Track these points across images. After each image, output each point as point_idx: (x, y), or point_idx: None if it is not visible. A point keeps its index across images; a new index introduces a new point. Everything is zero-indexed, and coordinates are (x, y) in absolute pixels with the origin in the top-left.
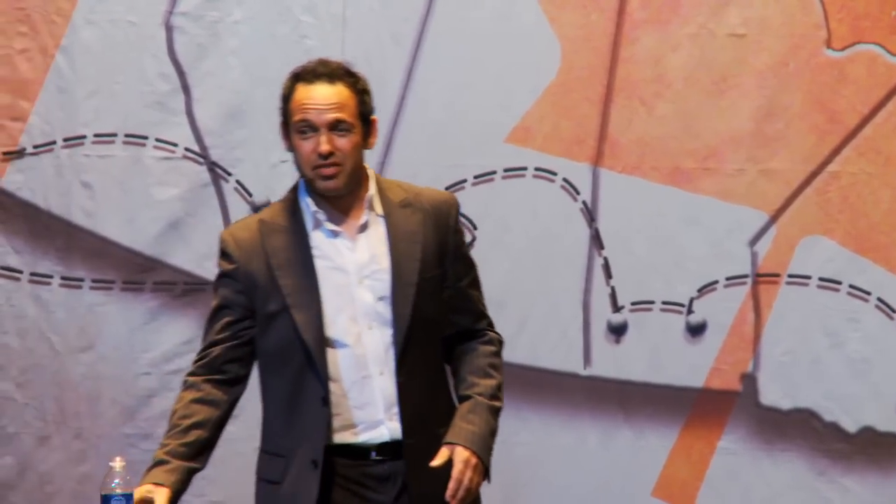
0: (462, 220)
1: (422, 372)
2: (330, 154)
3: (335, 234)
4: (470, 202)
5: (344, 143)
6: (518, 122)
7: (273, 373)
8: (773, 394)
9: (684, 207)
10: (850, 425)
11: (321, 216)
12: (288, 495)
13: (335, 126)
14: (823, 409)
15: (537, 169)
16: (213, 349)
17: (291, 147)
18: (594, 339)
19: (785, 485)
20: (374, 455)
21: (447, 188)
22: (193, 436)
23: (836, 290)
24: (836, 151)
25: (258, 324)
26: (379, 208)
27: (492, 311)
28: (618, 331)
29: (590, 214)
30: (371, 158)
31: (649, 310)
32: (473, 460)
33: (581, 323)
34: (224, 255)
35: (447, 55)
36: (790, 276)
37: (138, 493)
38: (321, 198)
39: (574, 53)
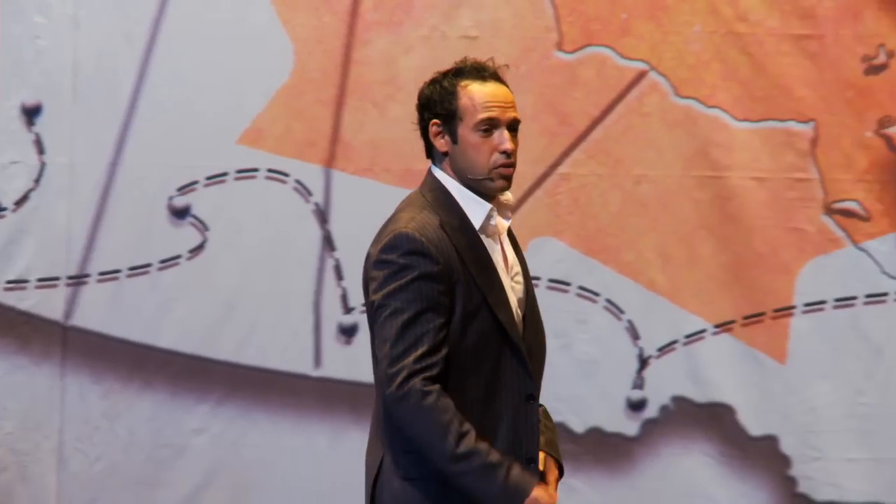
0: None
1: (538, 374)
2: (512, 153)
3: (495, 236)
4: (202, 203)
5: (516, 142)
6: (250, 123)
7: (465, 373)
8: None
9: None
10: (578, 426)
11: (493, 218)
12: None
13: (512, 125)
14: (552, 410)
15: (269, 170)
16: (435, 357)
17: (452, 145)
18: (325, 340)
19: None
20: None
21: (179, 189)
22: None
23: (566, 291)
24: (567, 153)
25: (456, 323)
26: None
27: (223, 313)
28: (349, 332)
29: (322, 216)
30: (101, 159)
31: None
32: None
33: (312, 324)
34: (425, 255)
35: (180, 56)
36: None
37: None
38: (485, 199)
39: (307, 55)
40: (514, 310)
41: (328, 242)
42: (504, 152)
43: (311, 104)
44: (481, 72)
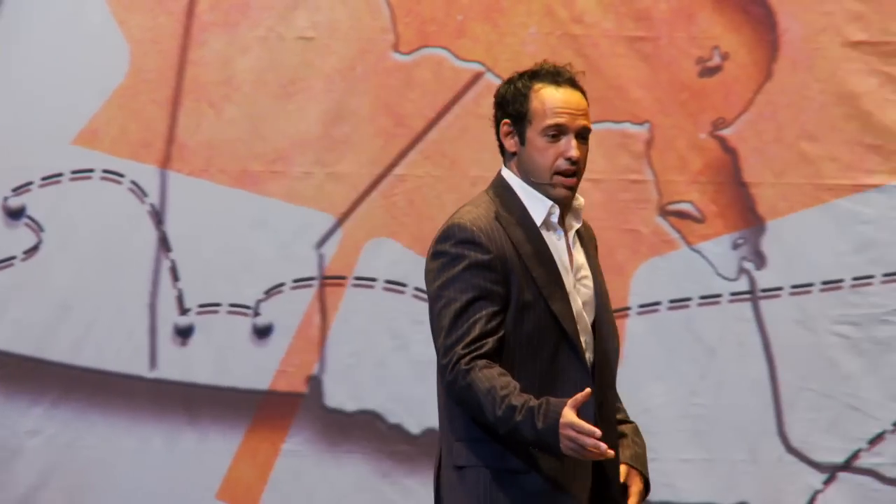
0: (32, 222)
1: (611, 378)
2: (577, 161)
3: (559, 234)
4: (37, 204)
5: (584, 151)
6: (86, 124)
7: (520, 364)
8: (338, 396)
9: (252, 210)
10: (414, 427)
11: (555, 215)
12: (556, 483)
13: (581, 133)
14: (388, 411)
15: (105, 171)
16: (486, 341)
17: (520, 146)
18: (160, 341)
19: (349, 486)
20: None
21: (14, 190)
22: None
23: (402, 292)
24: (403, 155)
25: (511, 313)
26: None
27: (58, 314)
28: (184, 333)
29: (158, 217)
30: None
31: (216, 312)
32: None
33: (147, 325)
34: (475, 244)
35: (14, 56)
36: (356, 278)
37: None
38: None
39: (142, 56)
40: (575, 308)
41: (164, 243)
42: (569, 159)
43: (146, 105)
44: (557, 76)
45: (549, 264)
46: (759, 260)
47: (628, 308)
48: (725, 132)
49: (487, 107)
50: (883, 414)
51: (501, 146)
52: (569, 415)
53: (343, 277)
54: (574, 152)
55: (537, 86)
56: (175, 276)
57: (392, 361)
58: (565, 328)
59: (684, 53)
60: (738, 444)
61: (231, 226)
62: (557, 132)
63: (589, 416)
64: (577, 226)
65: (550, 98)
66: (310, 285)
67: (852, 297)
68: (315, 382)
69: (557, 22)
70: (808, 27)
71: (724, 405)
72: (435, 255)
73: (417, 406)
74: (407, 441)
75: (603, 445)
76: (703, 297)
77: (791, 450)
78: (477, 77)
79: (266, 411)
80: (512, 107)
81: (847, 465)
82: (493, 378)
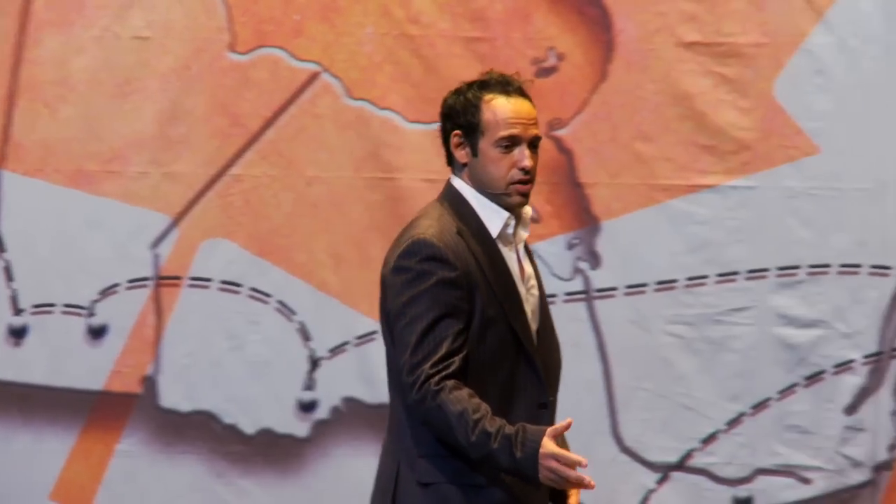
0: None
1: (555, 382)
2: (530, 170)
3: (508, 245)
4: None
5: (536, 160)
6: None
7: (481, 380)
8: (173, 396)
9: (87, 210)
10: (249, 427)
11: (511, 227)
12: (513, 498)
13: (532, 142)
14: (223, 412)
15: None
16: (454, 360)
17: (472, 157)
18: None
19: (184, 486)
20: None
21: None
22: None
23: (237, 292)
24: (239, 155)
25: (474, 329)
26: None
27: None
28: (18, 333)
29: None
30: None
31: (50, 312)
32: None
33: None
34: (442, 261)
35: None
36: (192, 278)
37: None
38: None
39: None
40: (528, 320)
41: None
42: (522, 169)
43: None
44: (507, 86)
45: (507, 278)
46: (594, 260)
47: None
48: (561, 132)
49: (324, 106)
50: (716, 414)
51: (450, 156)
52: (549, 445)
53: (178, 278)
54: (528, 162)
55: (488, 96)
56: (9, 277)
57: (227, 362)
58: (524, 344)
59: (520, 54)
60: (572, 443)
61: (66, 226)
62: (511, 143)
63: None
64: (525, 235)
65: (502, 109)
66: (145, 285)
67: (686, 297)
68: (150, 383)
69: (394, 22)
70: (642, 28)
71: (560, 404)
72: (397, 269)
73: (252, 406)
74: (242, 441)
75: (586, 478)
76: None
77: (625, 449)
78: (313, 77)
79: (100, 412)
80: (462, 118)
81: (680, 465)
82: (463, 400)
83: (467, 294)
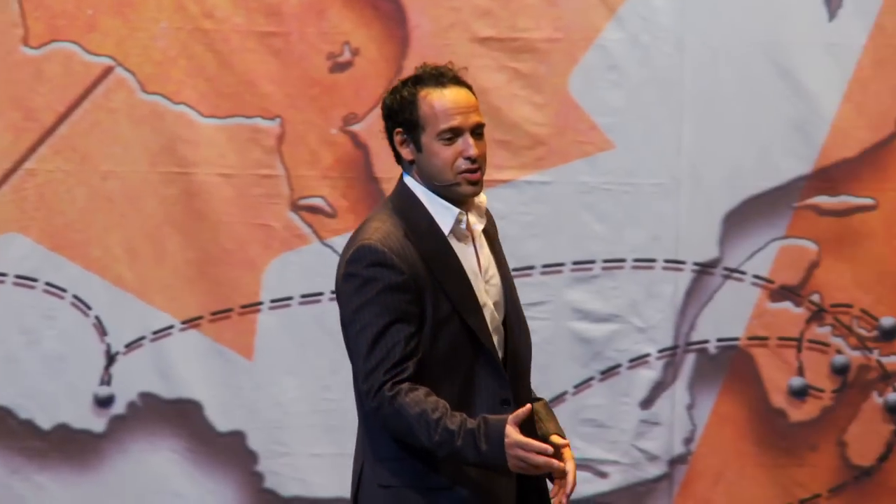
0: None
1: (525, 372)
2: (477, 158)
3: (467, 240)
4: None
5: (481, 146)
6: None
7: (437, 380)
8: None
9: None
10: (45, 422)
11: (463, 222)
12: (480, 498)
13: (475, 130)
14: (18, 407)
15: None
16: (407, 364)
17: (416, 153)
18: None
19: None
20: None
21: None
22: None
23: (32, 287)
24: (33, 149)
25: (427, 331)
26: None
27: None
28: None
29: None
30: None
31: None
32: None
33: None
34: (389, 266)
35: None
36: None
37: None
38: (455, 204)
39: None
40: (489, 314)
41: None
42: (468, 158)
43: None
44: (440, 77)
45: (461, 276)
46: None
47: (260, 303)
48: (356, 127)
49: (118, 101)
50: None
51: (398, 155)
52: (513, 434)
53: None
54: (473, 150)
55: (423, 91)
56: None
57: (23, 357)
58: (482, 341)
59: (315, 49)
60: None
61: None
62: (453, 134)
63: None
64: (481, 226)
65: (439, 101)
66: None
67: None
68: None
69: (188, 17)
70: (437, 23)
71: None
72: (346, 276)
73: (49, 402)
74: (38, 437)
75: (555, 462)
76: (334, 292)
77: None
78: (107, 71)
79: None
80: (401, 116)
81: None
82: (420, 401)
83: (416, 297)
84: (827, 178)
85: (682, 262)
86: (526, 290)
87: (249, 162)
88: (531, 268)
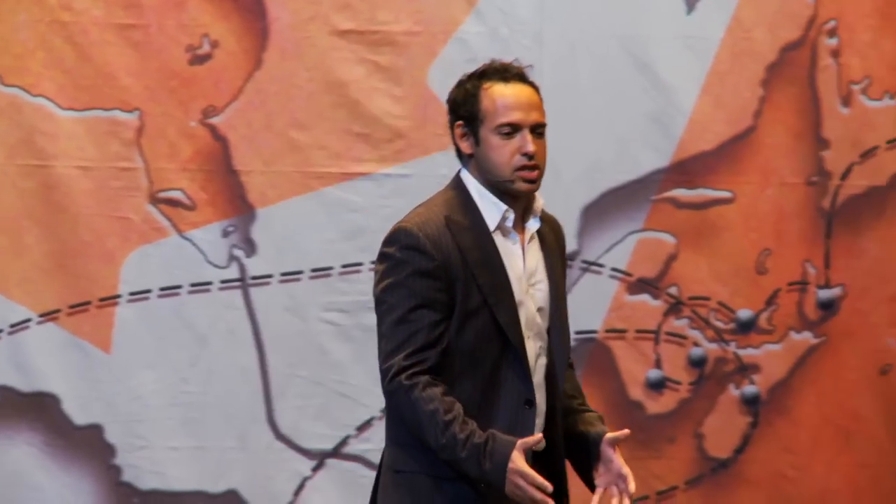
0: None
1: (560, 384)
2: (534, 155)
3: (514, 239)
4: None
5: (541, 145)
6: None
7: (461, 373)
8: None
9: None
10: None
11: (509, 220)
12: (491, 495)
13: (535, 128)
14: None
15: None
16: (428, 353)
17: (475, 146)
18: None
19: None
20: None
21: None
22: (473, 421)
23: None
24: None
25: (455, 321)
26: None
27: None
28: None
29: None
30: None
31: None
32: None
33: None
34: (420, 251)
35: None
36: None
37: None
38: (504, 200)
39: None
40: (527, 315)
41: None
42: (526, 154)
43: None
44: (505, 73)
45: (498, 271)
46: (250, 247)
47: (119, 296)
48: (215, 120)
49: None
50: (371, 401)
51: (458, 149)
52: (518, 460)
53: None
54: (530, 147)
55: (486, 84)
56: None
57: None
58: (510, 338)
59: (174, 41)
60: (228, 431)
61: None
62: (511, 129)
63: (530, 430)
64: (534, 228)
65: (500, 95)
66: None
67: (341, 284)
68: None
69: (47, 9)
70: (296, 16)
71: (215, 393)
72: (381, 257)
73: None
74: None
75: (550, 501)
76: (193, 285)
77: (280, 437)
78: None
79: None
80: (463, 108)
81: (336, 452)
82: (436, 399)
83: (446, 285)
84: (685, 171)
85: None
86: None
87: (108, 154)
88: None
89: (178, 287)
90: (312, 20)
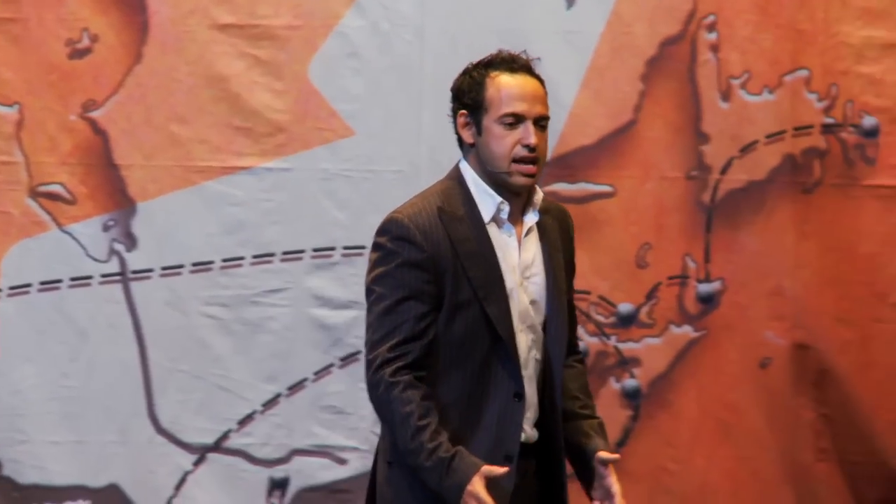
0: None
1: (558, 378)
2: (535, 147)
3: (509, 231)
4: None
5: (543, 139)
6: None
7: (451, 365)
8: None
9: None
10: None
11: (504, 212)
12: None
13: (538, 120)
14: None
15: None
16: (412, 345)
17: (477, 136)
18: None
19: None
20: None
21: None
22: (444, 430)
23: None
24: None
25: (444, 313)
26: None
27: None
28: None
29: None
30: None
31: None
32: None
33: None
34: (409, 242)
35: None
36: None
37: (482, 483)
38: (501, 193)
39: None
40: (519, 308)
41: None
42: (527, 146)
43: None
44: (512, 63)
45: (490, 264)
46: (130, 241)
47: None
48: (95, 114)
49: None
50: (253, 395)
51: (460, 139)
52: (477, 484)
53: None
54: (533, 139)
55: (493, 74)
56: None
57: None
58: (499, 331)
59: (53, 35)
60: (108, 425)
61: None
62: (514, 120)
63: (518, 423)
64: (533, 220)
65: (506, 85)
66: None
67: (222, 278)
68: None
69: None
70: (176, 10)
71: (95, 387)
72: (373, 246)
73: None
74: None
75: None
76: (73, 279)
77: (161, 431)
78: None
79: None
80: (468, 97)
81: (217, 446)
82: (412, 402)
83: (435, 277)
84: (565, 165)
85: None
86: (266, 277)
87: None
88: (272, 255)
89: (59, 281)
90: (192, 14)
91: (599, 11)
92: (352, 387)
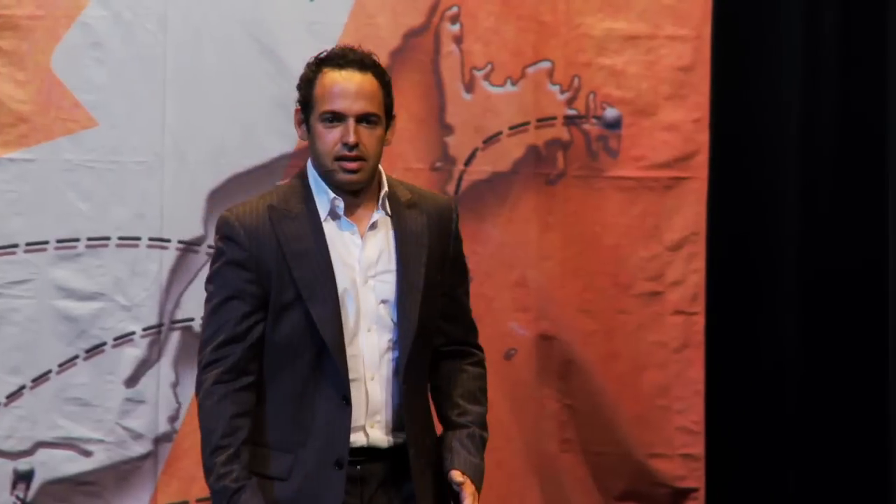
0: None
1: (417, 380)
2: (356, 146)
3: (348, 228)
4: None
5: (369, 136)
6: None
7: (280, 367)
8: None
9: None
10: None
11: (339, 207)
12: (306, 494)
13: (363, 118)
14: None
15: None
16: (233, 347)
17: (307, 133)
18: None
19: None
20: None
21: None
22: (245, 455)
23: None
24: None
25: (269, 314)
26: (388, 207)
27: None
28: None
29: None
30: None
31: None
32: (477, 495)
33: None
34: (231, 241)
35: None
36: None
37: None
38: (335, 190)
39: None
40: (359, 306)
41: None
42: (346, 144)
43: None
44: (342, 59)
45: (320, 263)
46: None
47: None
48: None
49: None
50: None
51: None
52: None
53: None
54: (351, 137)
55: (324, 70)
56: None
57: None
58: (321, 334)
59: None
60: None
61: None
62: (333, 117)
63: (347, 428)
64: (377, 217)
65: (330, 82)
66: None
67: None
68: None
69: None
70: None
71: None
72: (213, 244)
73: None
74: None
75: None
76: None
77: None
78: None
79: None
80: (301, 94)
81: None
82: (221, 418)
83: (257, 276)
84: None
85: (167, 241)
86: (9, 268)
87: None
88: (15, 246)
89: None
90: None
91: (343, 2)
92: (97, 379)
